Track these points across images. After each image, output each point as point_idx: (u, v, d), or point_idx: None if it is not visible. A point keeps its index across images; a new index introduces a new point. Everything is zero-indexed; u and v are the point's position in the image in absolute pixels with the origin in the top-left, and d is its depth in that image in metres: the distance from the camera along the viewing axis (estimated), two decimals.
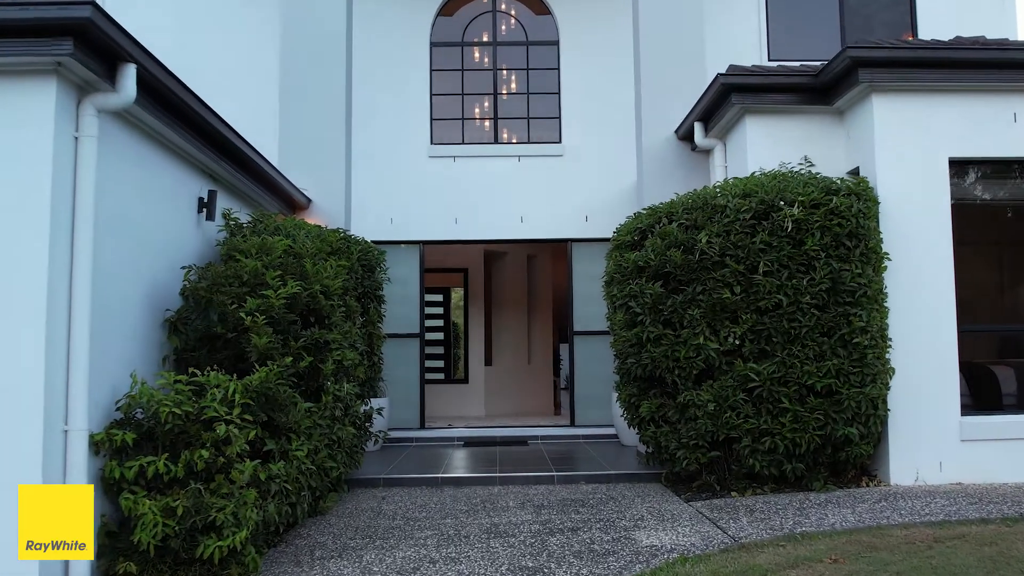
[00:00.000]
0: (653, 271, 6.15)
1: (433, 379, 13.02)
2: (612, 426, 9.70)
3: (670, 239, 6.09)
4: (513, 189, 10.10)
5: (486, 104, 10.56)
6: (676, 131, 8.00)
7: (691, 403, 5.99)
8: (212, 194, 5.89)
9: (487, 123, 10.51)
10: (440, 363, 13.45)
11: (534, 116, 10.41)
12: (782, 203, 5.91)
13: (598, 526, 5.32)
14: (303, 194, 7.85)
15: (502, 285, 13.53)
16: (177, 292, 5.35)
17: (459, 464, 7.91)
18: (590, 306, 10.07)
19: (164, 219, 5.33)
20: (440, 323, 13.69)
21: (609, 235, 10.17)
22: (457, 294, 13.75)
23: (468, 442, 9.61)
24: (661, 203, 6.56)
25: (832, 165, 6.72)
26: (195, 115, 5.16)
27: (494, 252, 13.28)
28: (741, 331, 5.86)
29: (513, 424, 10.38)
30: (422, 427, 9.92)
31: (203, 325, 5.13)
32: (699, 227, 6.07)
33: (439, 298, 13.72)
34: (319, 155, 8.06)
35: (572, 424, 9.94)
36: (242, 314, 4.84)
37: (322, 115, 8.17)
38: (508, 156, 10.16)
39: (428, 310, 13.58)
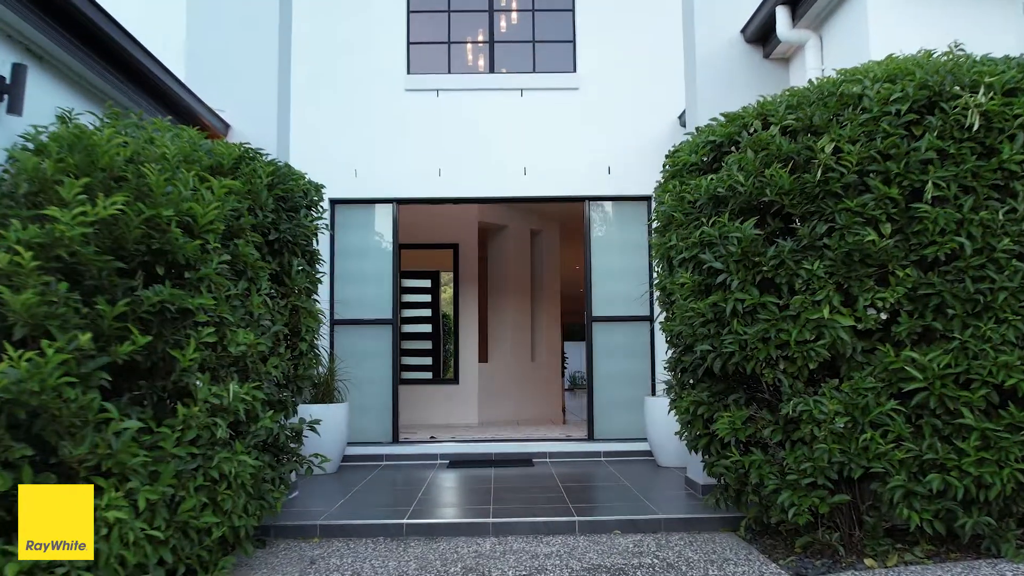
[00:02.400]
0: (742, 203, 3.83)
1: (415, 379, 10.71)
2: (644, 439, 7.38)
3: (769, 151, 3.78)
4: (514, 132, 7.79)
5: (480, 29, 8.25)
6: (743, 30, 5.70)
7: (806, 416, 3.66)
8: (18, 72, 3.57)
9: (481, 48, 8.19)
10: (427, 360, 11.10)
11: (541, 40, 8.10)
12: (957, 88, 3.60)
13: None
14: (216, 116, 5.52)
15: (500, 266, 11.21)
16: None
17: (438, 498, 5.59)
18: (613, 283, 7.75)
19: None
20: (428, 313, 11.35)
21: (639, 191, 7.88)
22: (449, 292, 11.42)
23: (455, 461, 7.29)
24: (746, 106, 4.23)
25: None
26: None
27: (491, 225, 10.97)
28: (894, 297, 3.53)
29: (513, 437, 8.05)
30: (395, 441, 7.59)
31: None
32: (817, 131, 3.76)
33: (426, 283, 11.39)
34: (240, 66, 5.72)
35: (590, 437, 7.62)
36: None
37: (246, 12, 5.83)
38: (507, 90, 7.84)
39: (412, 297, 11.30)
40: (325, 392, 7.01)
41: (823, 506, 3.71)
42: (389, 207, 7.79)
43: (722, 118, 4.30)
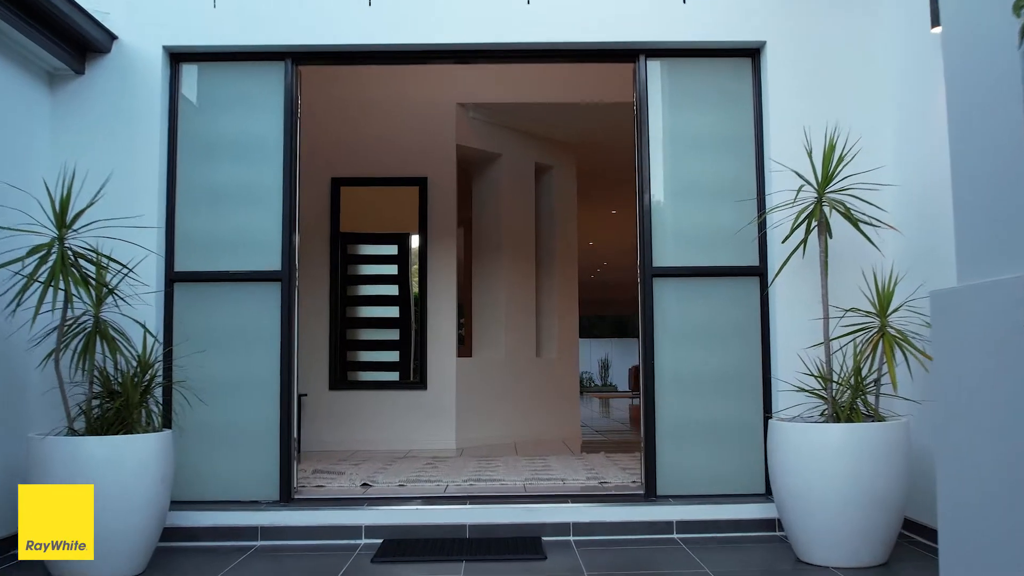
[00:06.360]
0: None
1: (370, 381, 7.16)
2: (761, 498, 3.86)
3: None
4: None
5: None
6: None
7: None
8: None
9: None
10: (393, 355, 7.46)
11: None
12: None
13: None
14: None
15: (491, 216, 7.67)
16: None
17: None
18: (690, 211, 4.23)
19: None
20: (393, 290, 7.69)
21: (738, 35, 4.15)
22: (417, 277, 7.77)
23: (393, 543, 3.74)
24: None
25: None
26: None
27: (476, 154, 7.41)
28: None
29: (506, 490, 4.45)
30: (286, 500, 4.04)
31: None
32: None
33: (391, 250, 7.71)
34: None
35: (649, 494, 4.06)
36: None
37: None
38: None
39: (369, 269, 7.69)
40: (124, 409, 3.45)
41: None
42: (279, 67, 4.24)
43: None
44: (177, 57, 4.20)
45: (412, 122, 6.89)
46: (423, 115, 6.89)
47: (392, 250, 7.54)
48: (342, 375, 7.07)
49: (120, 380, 3.53)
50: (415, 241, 7.32)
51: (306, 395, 6.71)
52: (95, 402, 3.51)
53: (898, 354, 3.46)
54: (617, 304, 23.95)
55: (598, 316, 25.67)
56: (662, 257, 4.17)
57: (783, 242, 3.84)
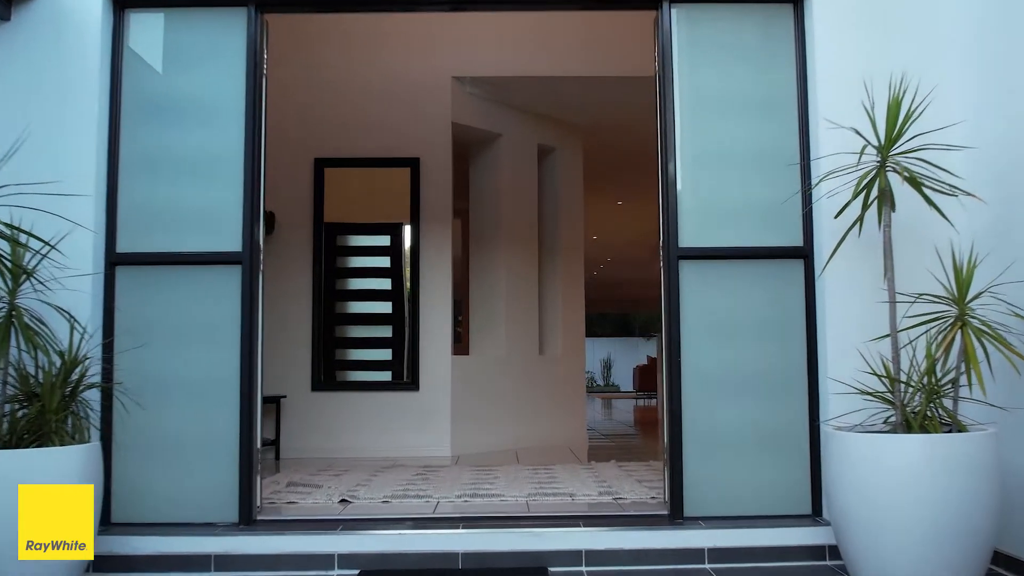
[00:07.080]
0: None
1: (360, 382, 6.55)
2: (810, 519, 3.23)
3: None
4: None
5: None
6: None
7: None
8: None
9: None
10: (385, 353, 6.83)
11: None
12: None
13: None
14: None
15: (490, 202, 7.06)
16: None
17: None
18: (720, 182, 3.60)
19: None
20: (386, 284, 7.06)
21: None
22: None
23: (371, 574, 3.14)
24: None
25: None
26: None
27: (474, 133, 6.80)
28: None
29: (509, 512, 3.85)
30: (247, 522, 3.43)
31: None
32: None
33: (383, 241, 7.08)
34: None
35: (675, 516, 3.44)
36: None
37: None
38: None
39: (360, 261, 7.05)
40: (41, 416, 2.83)
41: None
42: (241, 14, 3.63)
43: None
44: (122, 3, 3.59)
45: (403, 97, 6.29)
46: (415, 89, 6.28)
47: (384, 241, 6.93)
48: (327, 375, 6.46)
49: (55, 374, 2.92)
50: (408, 232, 6.71)
51: (285, 397, 6.11)
52: (11, 407, 2.90)
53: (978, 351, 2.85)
54: (620, 303, 23.33)
55: (600, 314, 25.07)
56: (689, 237, 3.56)
57: (836, 217, 3.23)
